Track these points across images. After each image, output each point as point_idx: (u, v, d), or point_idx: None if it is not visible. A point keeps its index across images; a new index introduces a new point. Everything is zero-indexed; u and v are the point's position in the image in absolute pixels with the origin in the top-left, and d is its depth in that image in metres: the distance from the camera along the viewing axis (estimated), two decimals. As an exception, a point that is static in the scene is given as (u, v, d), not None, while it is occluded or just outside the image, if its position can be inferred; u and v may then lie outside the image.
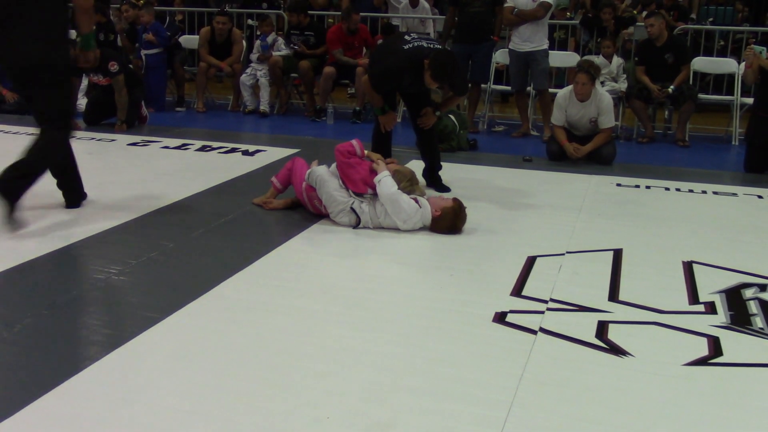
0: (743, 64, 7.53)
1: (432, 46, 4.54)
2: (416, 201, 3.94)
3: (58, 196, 4.38)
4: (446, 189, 4.88)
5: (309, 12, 8.57)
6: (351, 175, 3.97)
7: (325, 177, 4.03)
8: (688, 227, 4.28)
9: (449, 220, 3.90)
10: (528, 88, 7.56)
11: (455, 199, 3.98)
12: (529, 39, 7.02)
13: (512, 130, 7.72)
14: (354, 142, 4.11)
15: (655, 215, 4.53)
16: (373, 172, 3.98)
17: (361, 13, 8.30)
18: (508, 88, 7.88)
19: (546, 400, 2.29)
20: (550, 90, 7.22)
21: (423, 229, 3.95)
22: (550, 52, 7.24)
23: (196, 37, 8.79)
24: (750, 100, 7.24)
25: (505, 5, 7.06)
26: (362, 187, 3.96)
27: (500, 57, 8.11)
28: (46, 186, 4.79)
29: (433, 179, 4.98)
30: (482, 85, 7.69)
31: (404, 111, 7.50)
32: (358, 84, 7.91)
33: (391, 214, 3.90)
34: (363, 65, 7.83)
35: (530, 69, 7.12)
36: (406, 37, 4.78)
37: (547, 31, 7.12)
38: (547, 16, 6.98)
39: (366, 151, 4.15)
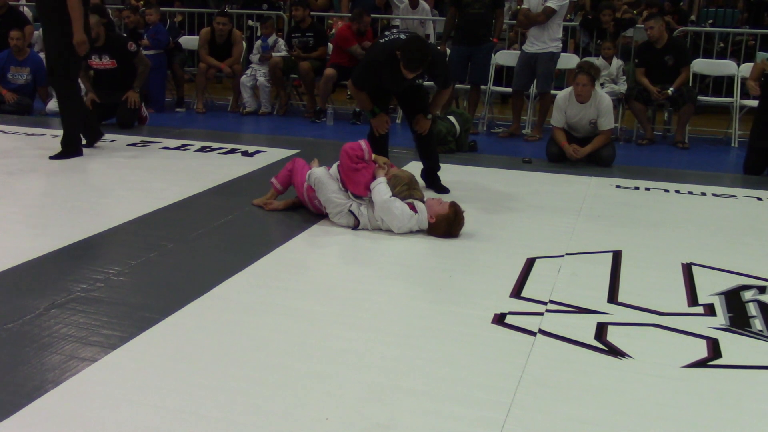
0: (743, 66, 7.56)
1: (408, 36, 4.43)
2: (413, 206, 3.93)
3: (57, 195, 4.37)
4: (445, 190, 4.88)
5: (310, 13, 8.57)
6: (355, 177, 3.96)
7: (323, 180, 4.03)
8: (687, 229, 4.28)
9: (444, 227, 3.90)
10: (528, 90, 7.58)
11: (452, 204, 3.96)
12: (535, 41, 7.05)
13: (513, 131, 7.73)
14: (363, 144, 4.07)
15: (655, 217, 4.53)
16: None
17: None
18: (508, 89, 7.89)
19: (545, 402, 2.29)
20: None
21: (422, 231, 3.96)
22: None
23: (196, 38, 8.78)
24: (749, 102, 7.26)
25: (522, 6, 7.12)
26: (363, 191, 3.96)
27: (500, 58, 8.13)
28: (45, 185, 4.80)
29: (432, 180, 4.97)
30: (482, 87, 7.70)
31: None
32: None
33: (385, 220, 3.91)
34: None
35: (536, 70, 7.15)
36: (386, 32, 4.75)
37: (557, 36, 7.08)
38: (554, 20, 6.96)
39: (373, 155, 4.12)
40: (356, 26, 7.95)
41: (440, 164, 5.03)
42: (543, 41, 7.02)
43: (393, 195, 3.93)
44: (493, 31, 7.36)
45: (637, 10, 9.65)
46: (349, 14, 8.45)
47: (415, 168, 4.84)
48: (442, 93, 4.87)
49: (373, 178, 3.98)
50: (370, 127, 4.83)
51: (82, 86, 7.54)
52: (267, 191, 4.44)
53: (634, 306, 3.08)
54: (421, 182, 4.85)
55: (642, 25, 7.71)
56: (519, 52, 7.47)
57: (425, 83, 4.74)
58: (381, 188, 3.92)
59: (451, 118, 6.36)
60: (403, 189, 4.01)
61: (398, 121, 7.66)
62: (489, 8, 7.19)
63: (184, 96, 8.83)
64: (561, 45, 7.22)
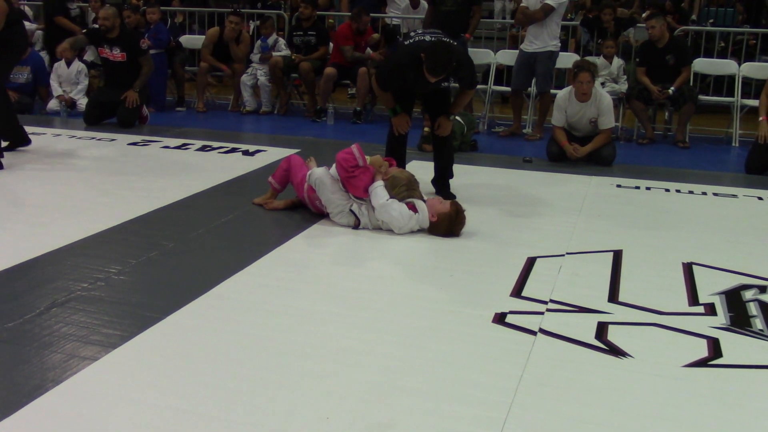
0: (744, 65, 7.56)
1: (434, 39, 4.35)
2: (412, 206, 3.93)
3: (57, 194, 4.37)
4: (452, 196, 4.80)
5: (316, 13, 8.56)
6: (353, 182, 3.96)
7: (324, 180, 4.03)
8: (688, 228, 4.28)
9: (446, 226, 3.90)
10: (528, 89, 7.57)
11: (453, 203, 3.96)
12: (534, 39, 7.04)
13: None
14: (354, 149, 4.00)
15: (655, 216, 4.53)
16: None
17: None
18: (508, 89, 7.88)
19: (545, 401, 2.29)
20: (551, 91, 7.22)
21: (423, 230, 3.96)
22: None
23: (196, 37, 8.76)
24: (750, 102, 7.26)
25: (521, 5, 7.11)
26: (363, 193, 3.96)
27: (500, 58, 8.12)
28: (45, 184, 4.80)
29: (441, 186, 4.84)
30: (478, 86, 7.66)
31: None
32: (359, 84, 7.92)
33: (386, 222, 3.91)
34: (374, 56, 7.96)
35: (535, 70, 7.14)
36: (412, 32, 4.72)
37: (556, 34, 7.06)
38: (553, 18, 6.94)
39: (368, 158, 4.08)
40: (355, 25, 7.95)
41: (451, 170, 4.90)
42: (542, 40, 7.01)
43: (392, 196, 3.93)
44: (467, 28, 7.33)
45: (633, 9, 9.65)
46: (350, 13, 8.44)
47: (415, 168, 4.83)
48: (465, 94, 4.81)
49: (372, 180, 3.98)
50: (390, 126, 4.75)
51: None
52: (267, 190, 4.44)
53: (635, 305, 3.08)
54: (429, 187, 4.81)
55: (643, 25, 7.71)
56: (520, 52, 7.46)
57: (451, 85, 4.64)
58: (378, 192, 3.92)
59: (458, 118, 6.33)
60: (402, 190, 4.00)
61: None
62: (461, 6, 7.19)
63: (184, 95, 8.82)
64: (560, 44, 7.20)
